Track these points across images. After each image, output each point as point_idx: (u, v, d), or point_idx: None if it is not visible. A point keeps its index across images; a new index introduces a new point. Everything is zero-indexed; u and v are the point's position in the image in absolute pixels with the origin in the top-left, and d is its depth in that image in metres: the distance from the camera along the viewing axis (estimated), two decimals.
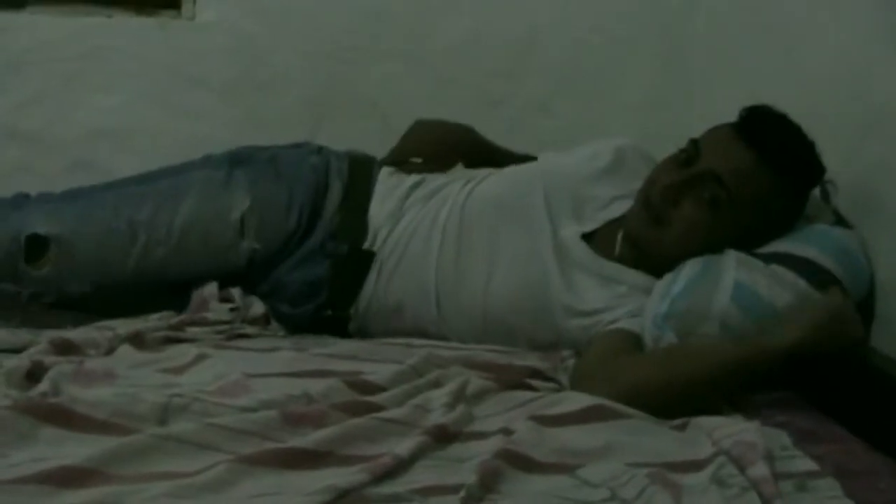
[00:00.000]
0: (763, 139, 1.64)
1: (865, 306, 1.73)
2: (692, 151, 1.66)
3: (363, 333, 1.75)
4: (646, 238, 1.68)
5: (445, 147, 1.99)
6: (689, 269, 1.61)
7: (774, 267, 1.65)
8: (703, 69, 2.31)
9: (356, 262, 1.75)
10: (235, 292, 1.75)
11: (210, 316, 1.67)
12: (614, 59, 2.45)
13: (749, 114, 1.69)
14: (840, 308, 1.55)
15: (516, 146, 2.07)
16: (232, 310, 1.70)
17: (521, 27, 2.44)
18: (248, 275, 1.78)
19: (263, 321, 1.72)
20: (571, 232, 1.73)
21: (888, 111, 1.75)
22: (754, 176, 1.62)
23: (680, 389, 1.45)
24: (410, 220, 1.77)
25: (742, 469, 1.19)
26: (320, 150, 1.91)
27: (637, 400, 1.39)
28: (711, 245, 1.62)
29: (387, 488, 1.10)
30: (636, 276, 1.67)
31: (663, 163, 1.70)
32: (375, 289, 1.74)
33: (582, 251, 1.71)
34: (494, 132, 2.09)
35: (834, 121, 1.81)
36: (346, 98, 2.40)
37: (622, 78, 2.46)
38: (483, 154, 2.01)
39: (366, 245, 1.76)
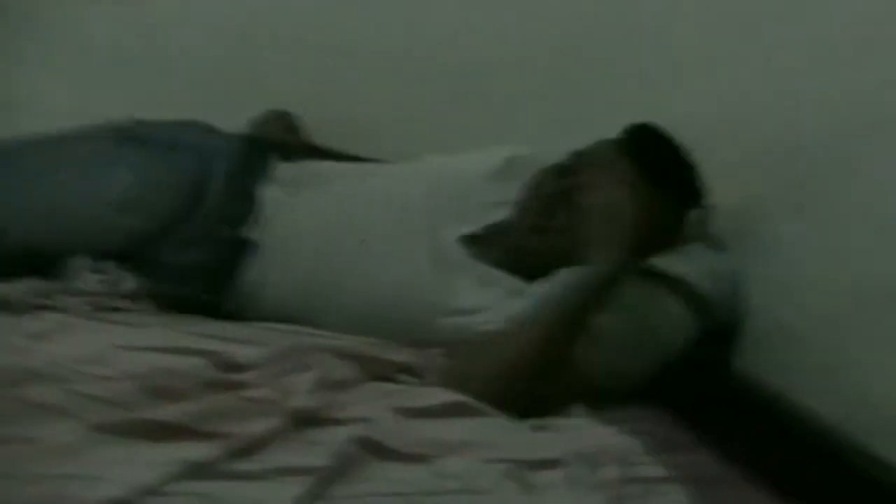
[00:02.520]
0: (644, 154, 1.68)
1: (734, 329, 1.78)
2: (572, 162, 1.69)
3: (237, 317, 1.74)
4: (522, 244, 1.70)
5: (296, 138, 1.99)
6: (561, 276, 1.63)
7: (648, 283, 1.69)
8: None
9: (237, 249, 1.74)
10: (109, 266, 1.72)
11: (81, 286, 1.65)
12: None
13: (633, 130, 1.73)
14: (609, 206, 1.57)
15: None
16: (103, 282, 1.68)
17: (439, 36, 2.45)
18: (126, 252, 1.75)
19: (136, 297, 1.70)
20: (451, 233, 1.74)
21: (771, 145, 1.80)
22: (631, 189, 1.66)
23: (531, 357, 1.47)
24: (298, 208, 1.77)
25: (593, 470, 1.22)
26: (210, 130, 1.90)
27: (494, 391, 1.41)
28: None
29: (242, 465, 1.10)
30: (512, 281, 1.69)
31: (542, 172, 1.73)
32: (254, 274, 1.73)
33: (460, 252, 1.72)
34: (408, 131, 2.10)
35: (723, 149, 1.86)
36: (243, 82, 2.38)
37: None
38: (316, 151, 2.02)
39: (250, 230, 1.75)
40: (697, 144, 1.76)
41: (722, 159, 1.81)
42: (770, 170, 1.79)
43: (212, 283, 1.74)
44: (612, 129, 1.77)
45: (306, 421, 1.24)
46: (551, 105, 2.29)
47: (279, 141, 1.94)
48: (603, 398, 1.54)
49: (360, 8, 2.41)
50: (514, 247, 1.72)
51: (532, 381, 1.46)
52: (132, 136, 1.82)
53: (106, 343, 1.38)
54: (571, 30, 2.30)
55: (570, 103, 2.26)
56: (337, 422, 1.26)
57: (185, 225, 1.75)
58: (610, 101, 2.17)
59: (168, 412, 1.17)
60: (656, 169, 1.67)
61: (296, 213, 1.76)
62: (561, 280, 1.60)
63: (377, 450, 1.19)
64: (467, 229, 1.76)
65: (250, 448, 1.13)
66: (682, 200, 1.75)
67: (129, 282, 1.71)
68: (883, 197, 1.52)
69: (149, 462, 1.05)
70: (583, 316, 1.52)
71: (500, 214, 1.77)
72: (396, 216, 1.76)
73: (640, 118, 1.77)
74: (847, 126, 1.60)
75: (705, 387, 1.71)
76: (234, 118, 2.01)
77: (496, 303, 1.65)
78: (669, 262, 1.73)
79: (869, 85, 1.59)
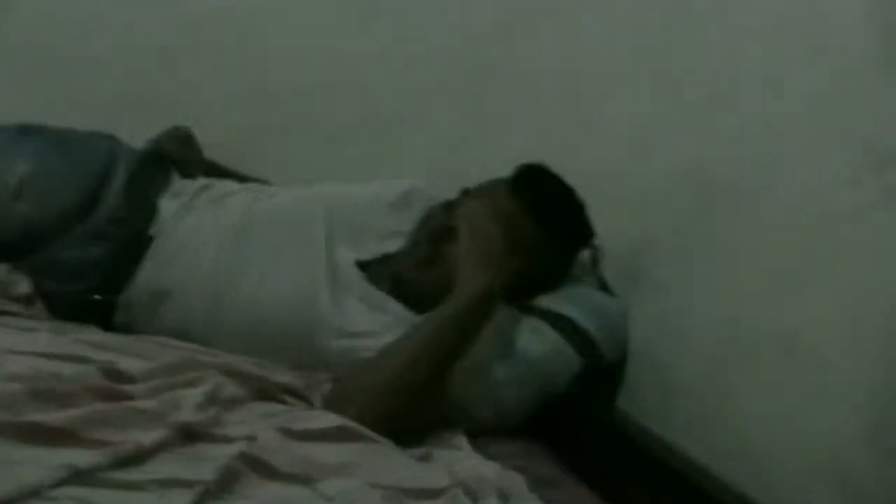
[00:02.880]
0: (532, 193, 1.73)
1: (619, 369, 1.83)
2: (460, 198, 1.74)
3: (127, 329, 1.74)
4: (411, 277, 1.74)
5: (195, 155, 2.01)
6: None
7: (533, 320, 1.73)
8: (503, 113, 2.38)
9: (132, 248, 1.74)
10: (1, 268, 1.71)
11: None
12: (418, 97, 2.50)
13: (522, 169, 1.78)
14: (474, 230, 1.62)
15: (310, 175, 2.10)
16: None
17: (333, 56, 2.47)
18: (20, 246, 1.74)
19: (27, 300, 1.69)
20: (346, 257, 1.77)
21: (661, 188, 1.86)
22: (518, 225, 1.70)
23: (409, 377, 1.50)
24: (196, 219, 1.78)
25: (474, 502, 1.25)
26: (111, 137, 1.90)
27: (380, 412, 1.44)
28: None
29: (125, 475, 1.10)
30: (401, 310, 1.72)
31: (434, 207, 1.77)
32: (148, 279, 1.74)
33: (353, 276, 1.75)
34: (290, 157, 2.11)
35: (616, 187, 1.92)
36: (152, 95, 2.37)
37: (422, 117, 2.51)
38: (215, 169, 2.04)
39: (146, 235, 1.76)
40: (592, 183, 1.82)
41: (616, 198, 1.87)
42: (662, 211, 1.85)
43: (106, 282, 1.74)
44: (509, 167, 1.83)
45: (192, 435, 1.24)
46: (454, 142, 2.33)
47: (180, 156, 1.95)
48: (483, 430, 1.58)
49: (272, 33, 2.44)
50: (404, 277, 1.75)
51: (406, 404, 1.49)
52: (34, 131, 1.83)
53: None
54: (475, 67, 2.35)
55: (471, 143, 2.31)
56: (222, 438, 1.27)
57: (82, 221, 1.76)
58: (509, 141, 2.22)
59: (53, 417, 1.16)
60: (542, 207, 1.72)
61: (191, 226, 1.78)
62: (442, 309, 1.64)
63: (260, 467, 1.20)
64: (362, 255, 1.78)
65: (135, 458, 1.13)
66: (569, 240, 1.80)
67: (23, 284, 1.70)
68: (772, 243, 1.59)
69: (32, 464, 1.05)
70: (455, 338, 1.55)
71: (395, 244, 1.80)
72: (293, 234, 1.78)
73: (536, 156, 1.82)
74: (741, 168, 1.66)
75: (586, 425, 1.75)
76: (144, 129, 2.01)
77: (384, 328, 1.67)
78: (556, 301, 1.77)
79: (766, 125, 1.66)
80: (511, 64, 2.33)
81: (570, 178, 1.82)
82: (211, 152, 2.10)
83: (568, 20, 2.25)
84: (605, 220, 1.85)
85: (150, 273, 1.74)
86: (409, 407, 1.50)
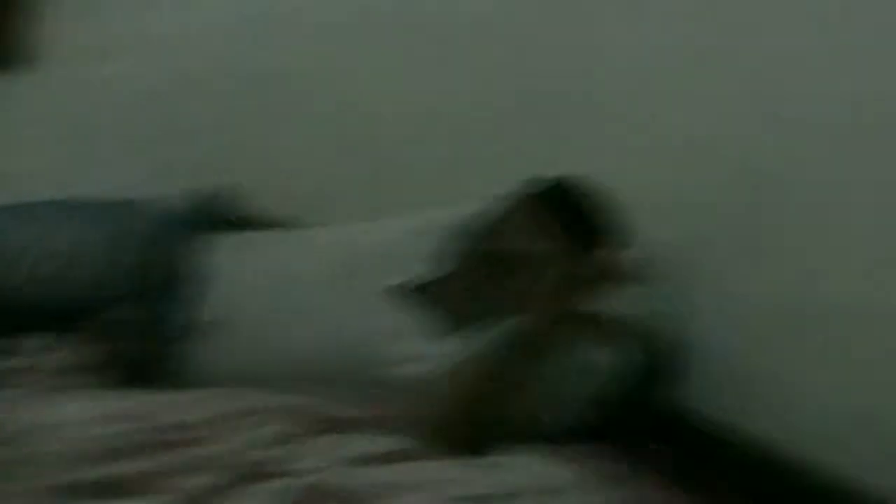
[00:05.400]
0: (565, 209, 1.76)
1: (682, 364, 1.83)
2: (497, 220, 1.77)
3: (184, 385, 1.76)
4: (455, 309, 1.74)
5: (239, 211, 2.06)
6: (497, 327, 1.66)
7: (590, 327, 1.74)
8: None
9: (187, 302, 1.78)
10: (55, 338, 1.75)
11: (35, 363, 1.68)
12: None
13: (552, 185, 1.79)
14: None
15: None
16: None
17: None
18: (81, 310, 1.78)
19: (88, 367, 1.72)
20: (398, 285, 1.78)
21: (708, 189, 1.87)
22: (557, 244, 1.71)
23: (470, 412, 1.52)
24: (238, 276, 1.82)
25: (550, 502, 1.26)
26: (154, 200, 1.97)
27: (441, 436, 1.45)
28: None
29: None
30: (450, 332, 1.72)
31: (466, 235, 1.79)
32: (202, 344, 1.77)
33: (408, 304, 1.76)
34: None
35: (659, 195, 1.93)
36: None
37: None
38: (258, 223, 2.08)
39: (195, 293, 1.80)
40: (628, 189, 1.82)
41: (655, 202, 1.87)
42: (704, 209, 1.85)
43: (160, 338, 1.76)
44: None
45: (258, 474, 1.26)
46: (478, 165, 2.35)
47: (221, 213, 1.99)
48: (553, 438, 1.58)
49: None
50: (455, 303, 1.76)
51: (475, 421, 1.50)
52: (79, 204, 1.88)
53: (60, 413, 1.40)
54: (491, 90, 2.36)
55: (493, 163, 2.32)
56: (291, 473, 1.28)
57: (137, 284, 1.79)
58: (533, 159, 2.22)
59: (125, 468, 1.19)
60: (578, 219, 1.73)
61: (238, 280, 1.81)
62: (497, 329, 1.65)
63: (331, 496, 1.21)
64: (412, 282, 1.80)
65: (203, 499, 1.16)
66: (601, 245, 1.80)
67: (79, 353, 1.73)
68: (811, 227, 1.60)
69: None
70: (518, 361, 1.56)
71: (442, 269, 1.81)
72: (341, 272, 1.80)
73: (572, 171, 1.83)
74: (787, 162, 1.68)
75: (651, 424, 1.75)
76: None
77: (442, 352, 1.67)
78: (610, 305, 1.77)
79: (790, 127, 1.67)
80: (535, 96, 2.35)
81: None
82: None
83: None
84: (646, 222, 1.85)
85: (199, 315, 1.78)
86: (477, 424, 1.51)
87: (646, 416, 1.75)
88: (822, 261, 1.60)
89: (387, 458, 1.35)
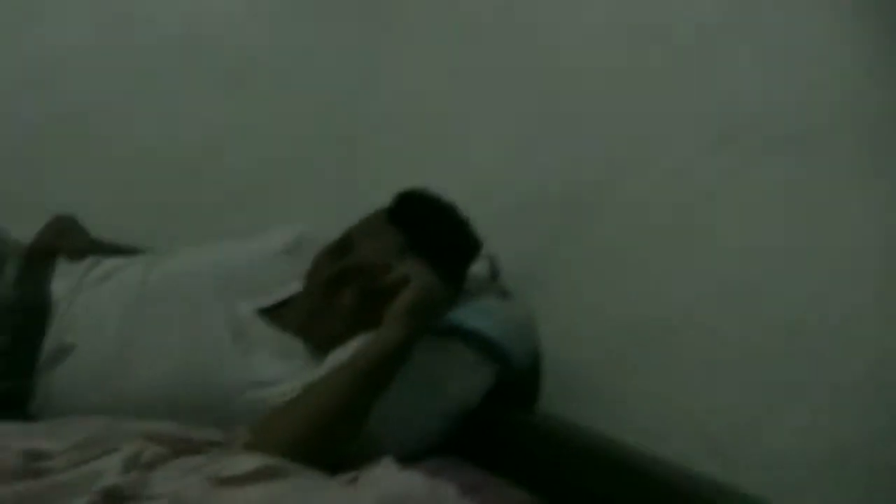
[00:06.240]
0: (412, 222, 1.76)
1: (532, 372, 1.87)
2: (346, 242, 1.76)
3: (39, 416, 1.73)
4: (312, 325, 1.75)
5: (77, 239, 2.01)
6: (354, 344, 1.68)
7: (442, 340, 1.76)
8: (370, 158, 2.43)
9: (32, 333, 1.74)
10: None
11: None
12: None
13: (400, 199, 1.81)
14: (423, 289, 1.64)
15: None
16: None
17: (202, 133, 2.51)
18: None
19: None
20: (246, 309, 1.78)
21: (543, 193, 1.92)
22: (407, 262, 1.71)
23: (328, 415, 1.52)
24: (89, 296, 1.79)
25: None
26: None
27: (296, 453, 1.45)
28: (376, 324, 1.66)
29: None
30: (308, 352, 1.75)
31: (321, 254, 1.80)
32: (50, 346, 1.73)
33: (259, 326, 1.76)
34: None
35: (496, 202, 1.97)
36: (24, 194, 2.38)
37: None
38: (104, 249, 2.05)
39: (43, 326, 1.76)
40: (468, 202, 1.86)
41: (498, 213, 1.92)
42: (541, 219, 1.90)
43: (12, 370, 1.73)
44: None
45: (117, 500, 1.25)
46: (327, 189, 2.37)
47: (64, 244, 1.95)
48: (405, 453, 1.60)
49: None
50: (303, 323, 1.77)
51: (328, 439, 1.51)
52: None
53: None
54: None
55: (342, 185, 2.35)
56: (147, 497, 1.27)
57: None
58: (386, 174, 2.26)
59: None
60: (425, 231, 1.76)
61: (85, 304, 1.78)
62: (355, 346, 1.66)
63: None
64: (263, 303, 1.80)
65: None
66: (456, 256, 1.83)
67: None
68: (644, 228, 1.66)
69: None
70: (378, 376, 1.58)
71: (293, 288, 1.82)
72: (187, 301, 1.79)
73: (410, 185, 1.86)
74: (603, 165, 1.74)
75: (508, 434, 1.79)
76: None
77: (294, 373, 1.69)
78: (461, 316, 1.81)
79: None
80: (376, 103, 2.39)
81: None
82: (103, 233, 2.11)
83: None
84: (495, 232, 1.89)
85: (51, 342, 1.74)
86: (331, 442, 1.52)
87: (499, 427, 1.79)
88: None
89: (248, 478, 1.35)
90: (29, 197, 2.34)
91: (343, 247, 1.78)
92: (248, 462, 1.40)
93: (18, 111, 2.45)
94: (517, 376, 1.85)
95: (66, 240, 1.97)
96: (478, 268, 1.91)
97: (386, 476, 1.42)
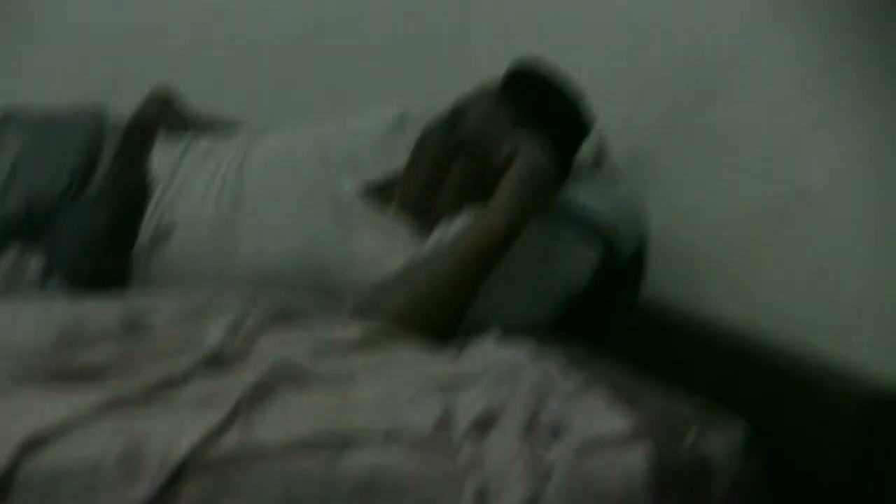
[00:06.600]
0: (524, 97, 1.71)
1: (638, 254, 1.83)
2: (456, 115, 1.72)
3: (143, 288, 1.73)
4: (419, 200, 1.72)
5: (177, 114, 2.00)
6: (466, 219, 1.66)
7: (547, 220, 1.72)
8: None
9: (133, 210, 1.74)
10: (12, 251, 1.71)
11: None
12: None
13: (512, 72, 1.76)
14: (532, 169, 1.60)
15: None
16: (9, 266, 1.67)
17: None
18: (26, 222, 1.74)
19: (46, 275, 1.69)
20: (347, 187, 1.75)
21: (660, 75, 1.85)
22: (517, 136, 1.66)
23: (428, 311, 1.50)
24: (188, 177, 1.77)
25: (516, 379, 1.26)
26: (97, 111, 1.91)
27: (406, 325, 1.44)
28: (484, 199, 1.62)
29: (159, 402, 1.11)
30: (411, 230, 1.71)
31: (428, 127, 1.76)
32: (151, 224, 1.73)
33: (357, 205, 1.73)
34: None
35: (612, 83, 1.91)
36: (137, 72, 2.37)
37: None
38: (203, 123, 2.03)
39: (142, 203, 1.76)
40: (582, 77, 1.80)
41: (610, 93, 1.86)
42: (661, 97, 1.84)
43: (114, 246, 1.73)
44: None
45: (221, 361, 1.24)
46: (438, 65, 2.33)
47: (164, 118, 1.94)
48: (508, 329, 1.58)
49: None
50: (410, 198, 1.74)
51: (438, 315, 1.50)
52: (17, 114, 1.86)
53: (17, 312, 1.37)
54: None
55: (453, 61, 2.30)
56: (252, 359, 1.27)
57: (78, 196, 1.75)
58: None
59: (82, 358, 1.17)
60: (538, 108, 1.71)
61: (186, 188, 1.76)
62: (461, 223, 1.63)
63: (292, 380, 1.20)
64: (367, 177, 1.77)
65: (167, 386, 1.14)
66: (569, 135, 1.78)
67: (35, 262, 1.69)
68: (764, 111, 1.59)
69: (68, 401, 1.06)
70: (486, 260, 1.55)
71: (395, 166, 1.78)
72: (289, 175, 1.76)
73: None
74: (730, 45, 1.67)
75: (615, 317, 1.75)
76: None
77: (396, 252, 1.65)
78: (570, 197, 1.76)
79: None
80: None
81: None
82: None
83: None
84: (605, 115, 1.84)
85: (150, 221, 1.74)
86: (436, 321, 1.50)
87: (609, 306, 1.76)
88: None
89: (350, 345, 1.34)
90: (129, 73, 2.33)
91: (453, 120, 1.73)
92: (353, 330, 1.39)
93: None
94: (623, 260, 1.81)
95: (165, 115, 1.96)
96: (587, 147, 1.86)
97: (491, 348, 1.40)
